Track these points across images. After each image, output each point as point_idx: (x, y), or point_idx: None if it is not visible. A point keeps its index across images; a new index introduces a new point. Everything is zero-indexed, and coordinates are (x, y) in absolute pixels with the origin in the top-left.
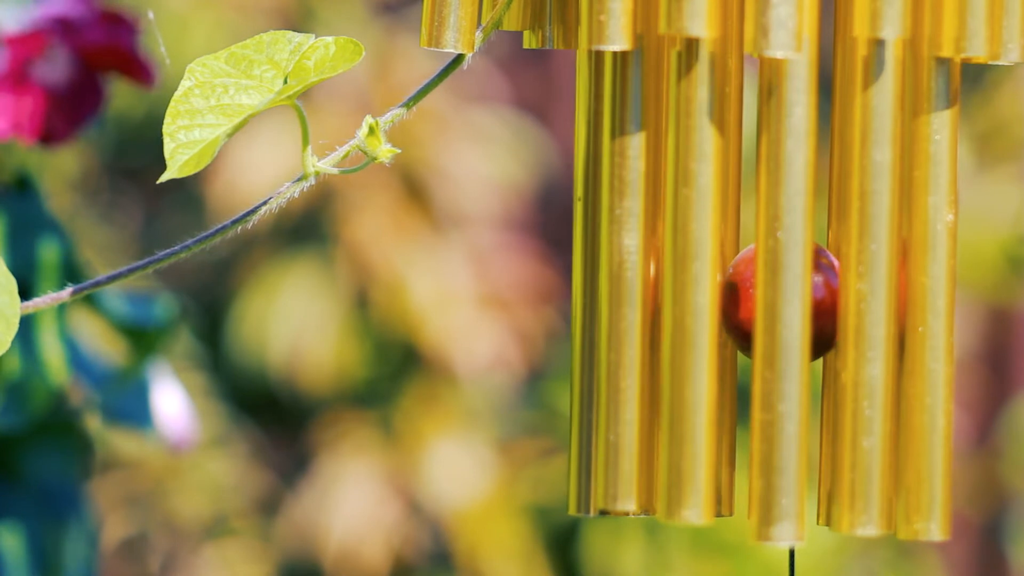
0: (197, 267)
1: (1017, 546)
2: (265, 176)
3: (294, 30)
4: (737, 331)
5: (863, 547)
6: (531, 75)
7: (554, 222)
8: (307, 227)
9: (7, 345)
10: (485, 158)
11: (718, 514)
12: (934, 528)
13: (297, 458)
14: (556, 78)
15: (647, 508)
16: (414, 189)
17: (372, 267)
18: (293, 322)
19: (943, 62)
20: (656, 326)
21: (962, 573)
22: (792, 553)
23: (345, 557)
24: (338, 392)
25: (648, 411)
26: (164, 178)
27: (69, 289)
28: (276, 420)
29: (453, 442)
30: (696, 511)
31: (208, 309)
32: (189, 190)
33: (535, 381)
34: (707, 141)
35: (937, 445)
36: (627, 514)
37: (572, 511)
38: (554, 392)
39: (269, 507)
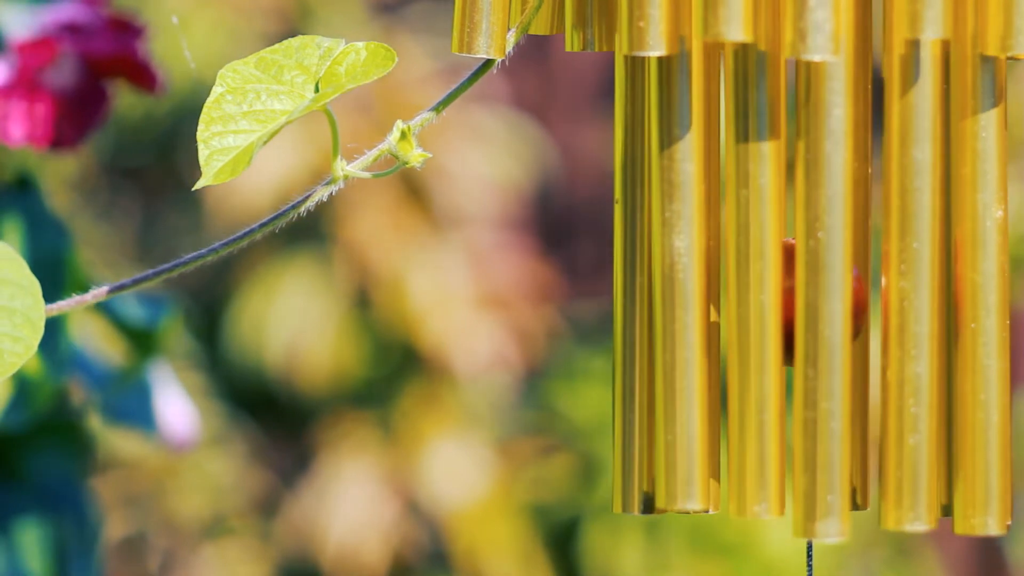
0: (195, 267)
1: (1017, 546)
2: (264, 176)
3: (293, 30)
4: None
5: (862, 546)
6: (531, 75)
7: (553, 221)
8: (306, 226)
9: (34, 349)
10: (484, 158)
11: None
12: (991, 522)
13: (296, 458)
14: (556, 78)
15: (710, 507)
16: (413, 189)
17: (371, 267)
18: (292, 322)
19: (988, 60)
20: (711, 327)
21: (961, 573)
22: (810, 547)
23: (344, 557)
24: (337, 392)
25: (706, 411)
26: (199, 185)
27: (94, 292)
28: (275, 420)
29: (452, 442)
30: (765, 506)
31: (206, 308)
32: (188, 190)
33: (534, 380)
34: (765, 142)
35: (993, 440)
36: (687, 512)
37: (617, 509)
38: (553, 391)
39: (268, 507)
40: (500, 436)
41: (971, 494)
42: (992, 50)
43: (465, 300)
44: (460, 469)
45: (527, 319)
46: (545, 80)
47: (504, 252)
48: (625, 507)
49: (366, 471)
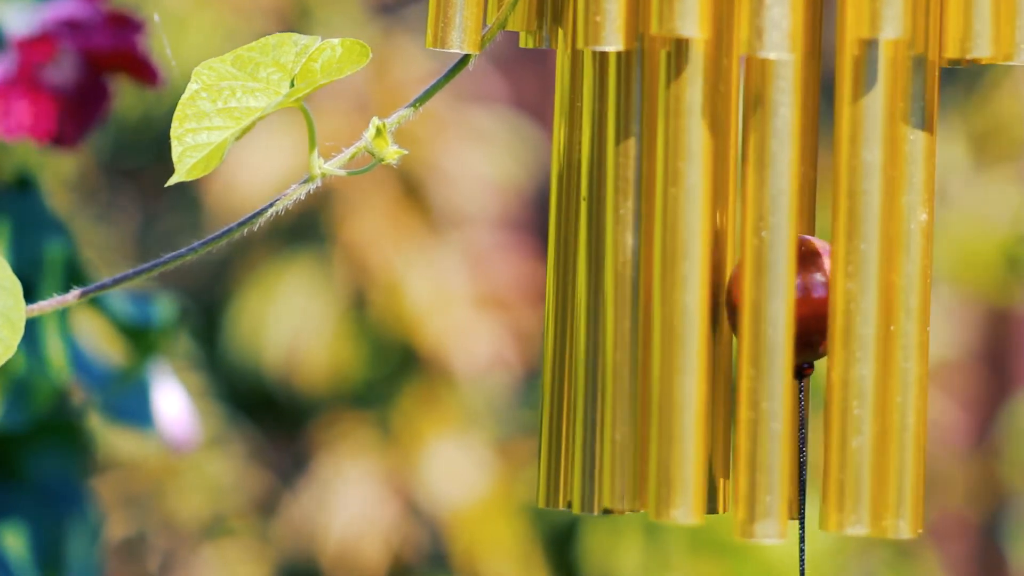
0: (194, 267)
1: (1016, 546)
2: (262, 176)
3: (291, 30)
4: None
5: (861, 547)
6: (530, 75)
7: None
8: (304, 227)
9: (13, 349)
10: (483, 158)
11: (712, 511)
12: (902, 525)
13: (295, 458)
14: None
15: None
16: (412, 189)
17: (370, 267)
18: (290, 322)
19: (921, 62)
20: (648, 326)
21: (961, 573)
22: (802, 549)
23: (343, 557)
24: (336, 392)
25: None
26: (172, 181)
27: (74, 292)
28: (274, 420)
29: (451, 442)
30: (684, 510)
31: (205, 309)
32: (187, 191)
33: (533, 381)
34: (695, 141)
35: (908, 443)
36: (628, 512)
37: (541, 504)
38: None
39: (267, 507)
40: (500, 436)
41: (884, 496)
42: (951, 52)
43: (464, 300)
44: (460, 469)
45: (527, 319)
46: (545, 80)
47: (504, 252)
48: (549, 502)
49: (365, 471)
